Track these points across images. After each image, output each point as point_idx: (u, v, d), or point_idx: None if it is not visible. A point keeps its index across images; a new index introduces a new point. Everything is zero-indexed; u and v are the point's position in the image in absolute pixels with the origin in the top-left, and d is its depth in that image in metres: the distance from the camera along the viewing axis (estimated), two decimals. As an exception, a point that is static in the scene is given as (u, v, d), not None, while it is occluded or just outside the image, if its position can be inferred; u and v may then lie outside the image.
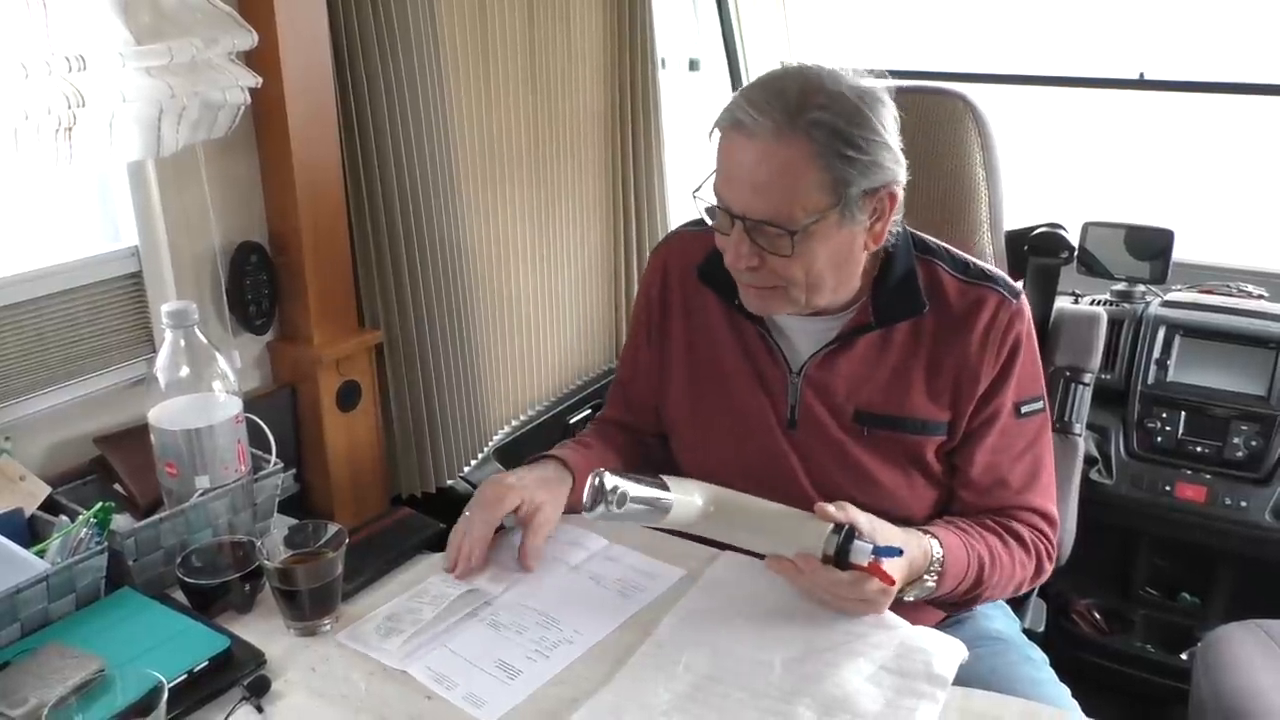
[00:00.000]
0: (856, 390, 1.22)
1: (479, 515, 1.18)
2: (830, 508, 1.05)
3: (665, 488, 1.08)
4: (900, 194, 1.12)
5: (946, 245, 1.25)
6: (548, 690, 0.99)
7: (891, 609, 1.07)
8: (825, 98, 1.06)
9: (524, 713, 0.97)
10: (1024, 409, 1.22)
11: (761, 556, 1.12)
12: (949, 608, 1.28)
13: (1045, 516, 1.25)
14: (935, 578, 1.12)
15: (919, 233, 1.25)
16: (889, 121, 1.09)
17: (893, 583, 1.03)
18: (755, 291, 1.17)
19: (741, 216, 1.10)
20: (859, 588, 1.03)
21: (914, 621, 1.08)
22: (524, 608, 1.11)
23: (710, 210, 1.14)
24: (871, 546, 1.02)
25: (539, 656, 1.04)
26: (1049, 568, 1.25)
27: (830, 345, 1.22)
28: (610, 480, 1.04)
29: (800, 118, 1.04)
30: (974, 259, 1.24)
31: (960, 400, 1.20)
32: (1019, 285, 1.23)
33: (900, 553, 1.04)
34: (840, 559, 1.03)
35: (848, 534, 1.03)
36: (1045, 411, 1.26)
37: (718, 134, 1.11)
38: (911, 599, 1.13)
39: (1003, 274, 1.24)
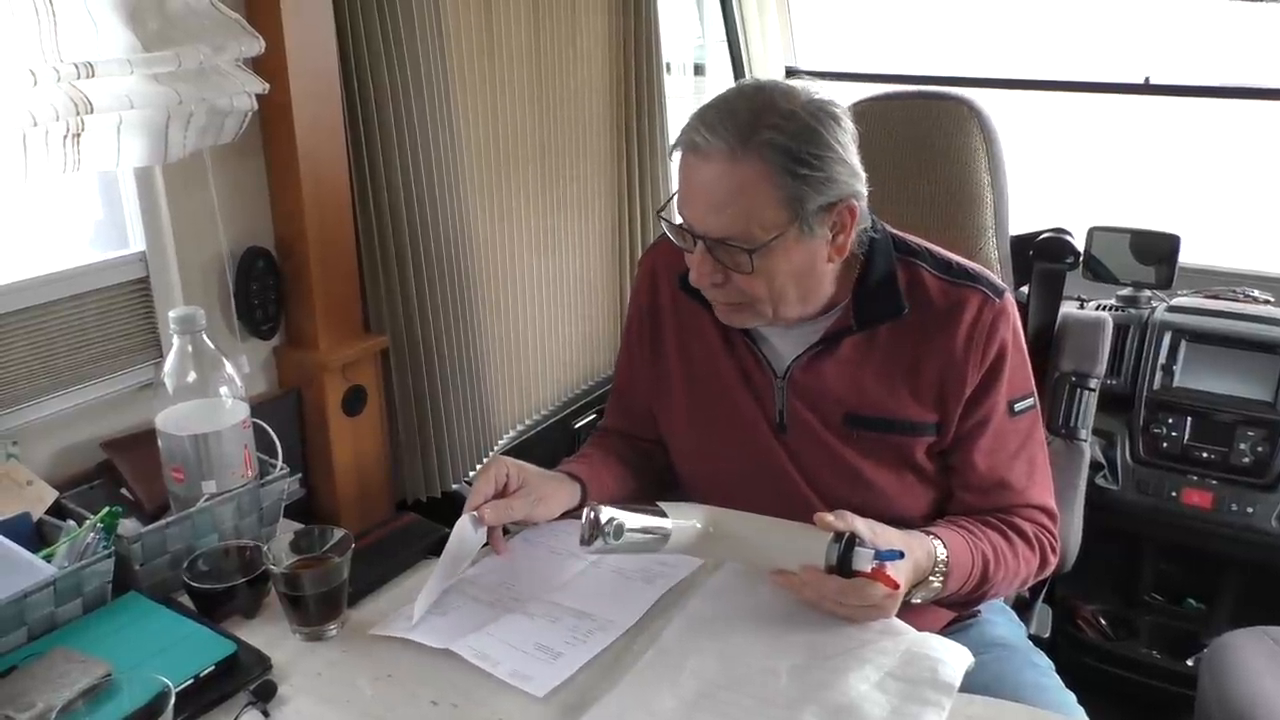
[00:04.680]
0: (843, 393, 1.23)
1: (477, 483, 1.19)
2: (829, 517, 1.05)
3: (662, 514, 1.08)
4: (860, 206, 1.14)
5: (929, 246, 1.25)
6: (553, 695, 0.99)
7: (898, 612, 1.07)
8: (778, 117, 1.07)
9: (531, 717, 0.97)
10: (1017, 406, 1.23)
11: None
12: (956, 607, 1.28)
13: (1046, 511, 1.26)
14: (941, 578, 1.12)
15: (902, 234, 1.26)
16: (844, 137, 1.10)
17: (897, 586, 1.03)
18: (723, 306, 1.19)
19: (702, 235, 1.11)
20: (865, 594, 1.03)
21: (921, 624, 1.08)
22: (553, 604, 1.12)
23: (674, 229, 1.16)
24: (874, 552, 1.02)
25: (576, 642, 1.05)
26: (1053, 560, 1.26)
27: (813, 349, 1.22)
28: (605, 513, 1.04)
29: (753, 138, 1.06)
30: (958, 259, 1.24)
31: (947, 400, 1.21)
32: (1003, 283, 1.23)
33: (902, 555, 1.04)
34: (843, 567, 1.03)
35: (848, 542, 1.03)
36: (1036, 406, 1.26)
37: (678, 154, 1.13)
38: (919, 600, 1.13)
39: (987, 272, 1.24)
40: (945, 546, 1.13)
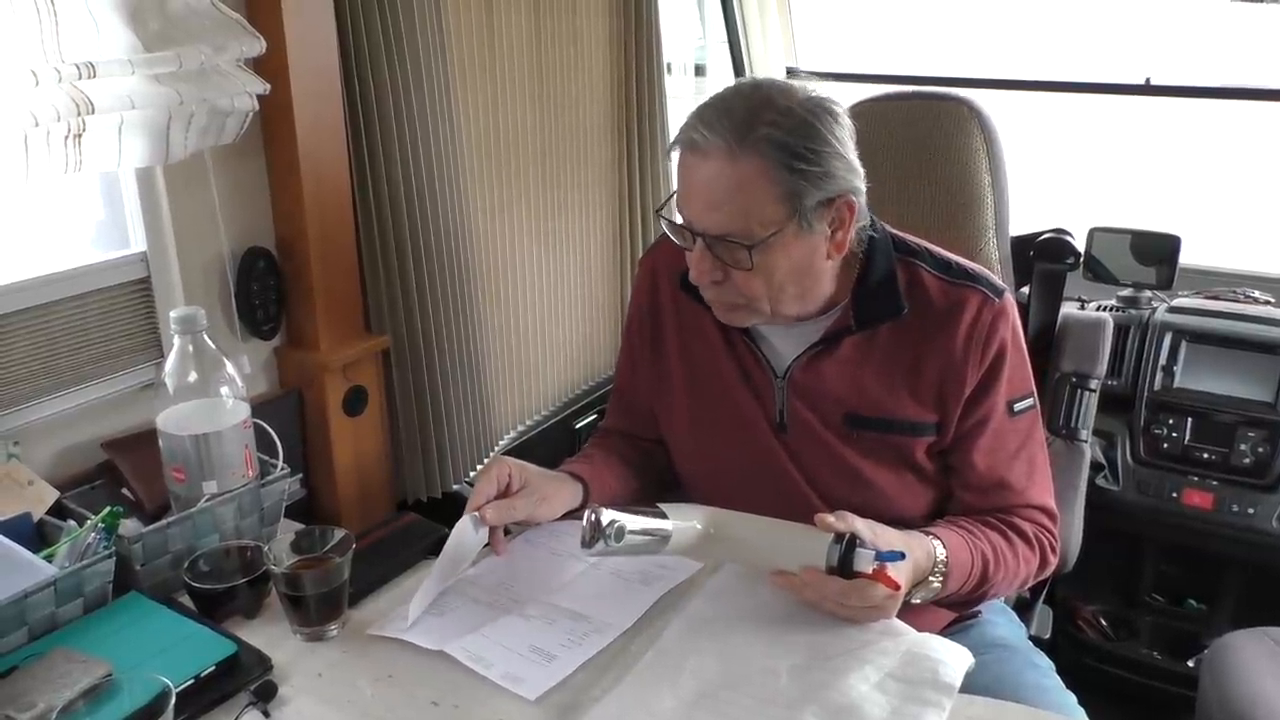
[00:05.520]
0: (843, 393, 1.23)
1: (479, 484, 1.19)
2: (830, 518, 1.05)
3: (663, 516, 1.08)
4: (859, 203, 1.14)
5: (929, 246, 1.25)
6: (550, 697, 0.99)
7: (898, 612, 1.07)
8: (775, 113, 1.08)
9: (530, 719, 0.97)
10: (1016, 406, 1.23)
11: None
12: (956, 607, 1.28)
13: (1046, 511, 1.26)
14: (941, 579, 1.13)
15: (901, 234, 1.26)
16: (842, 133, 1.11)
17: (898, 587, 1.03)
18: (721, 305, 1.19)
19: (701, 233, 1.12)
20: (866, 595, 1.03)
21: (921, 624, 1.08)
22: (551, 605, 1.12)
23: (673, 227, 1.16)
24: (875, 553, 1.02)
25: (572, 644, 1.05)
26: (1053, 560, 1.26)
27: (813, 348, 1.23)
28: (606, 515, 1.04)
29: (750, 135, 1.07)
30: (957, 259, 1.24)
31: (947, 401, 1.21)
32: (1003, 284, 1.24)
33: (903, 556, 1.04)
34: (844, 568, 1.03)
35: (849, 543, 1.03)
36: (1036, 406, 1.26)
37: (676, 153, 1.13)
38: (918, 601, 1.13)
39: (986, 272, 1.24)
40: (945, 547, 1.13)
